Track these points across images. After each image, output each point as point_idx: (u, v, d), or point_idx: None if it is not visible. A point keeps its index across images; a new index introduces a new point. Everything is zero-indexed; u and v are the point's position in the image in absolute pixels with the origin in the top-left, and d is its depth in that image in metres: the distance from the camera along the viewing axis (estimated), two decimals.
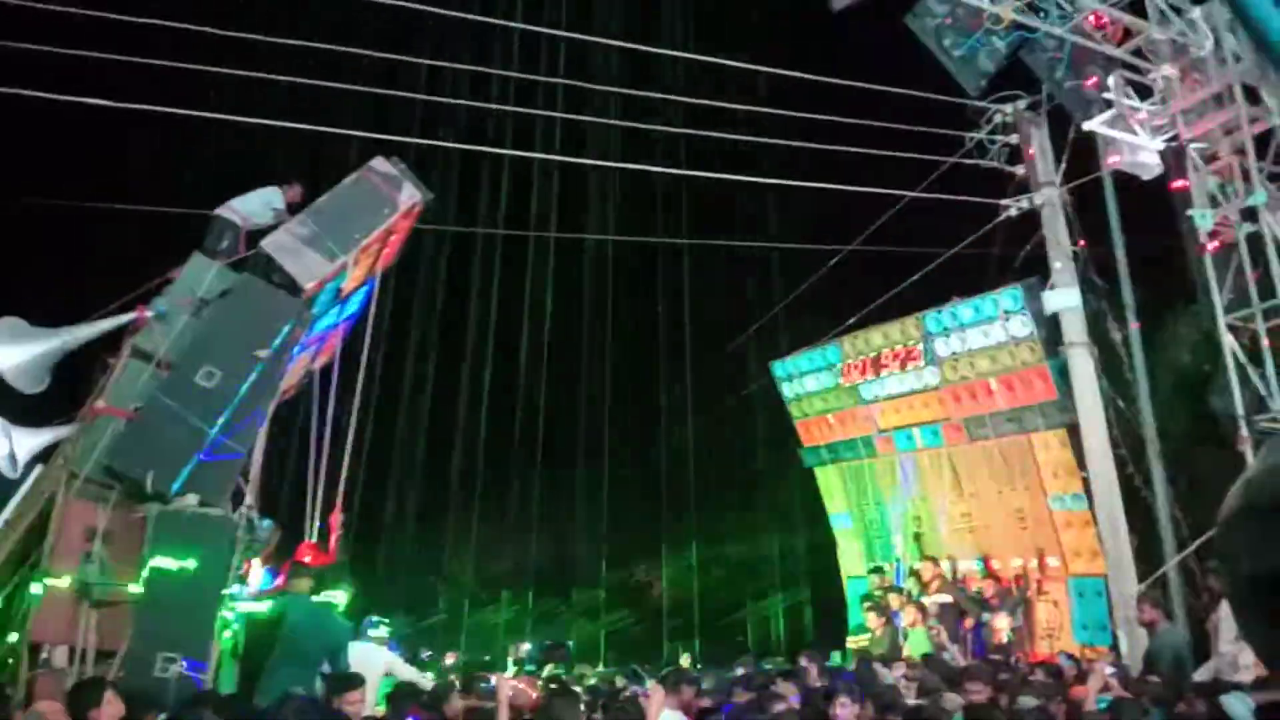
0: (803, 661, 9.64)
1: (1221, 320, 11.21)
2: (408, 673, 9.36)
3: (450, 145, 12.33)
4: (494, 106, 12.12)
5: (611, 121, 11.67)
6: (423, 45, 12.66)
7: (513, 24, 11.79)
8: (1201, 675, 8.62)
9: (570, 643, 16.28)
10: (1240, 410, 11.15)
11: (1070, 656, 10.67)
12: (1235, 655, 8.48)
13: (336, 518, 9.97)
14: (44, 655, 7.64)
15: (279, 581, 9.65)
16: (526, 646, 13.90)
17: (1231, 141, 11.28)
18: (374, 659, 8.86)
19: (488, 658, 14.00)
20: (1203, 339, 11.56)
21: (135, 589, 7.87)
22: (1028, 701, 6.77)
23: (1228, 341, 11.15)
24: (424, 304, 15.36)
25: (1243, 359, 11.14)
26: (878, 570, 13.96)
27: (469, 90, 12.37)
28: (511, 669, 12.01)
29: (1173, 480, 11.67)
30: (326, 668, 8.06)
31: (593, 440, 17.58)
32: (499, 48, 13.53)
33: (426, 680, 9.67)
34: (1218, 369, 11.24)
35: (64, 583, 7.87)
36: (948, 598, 12.30)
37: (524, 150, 14.01)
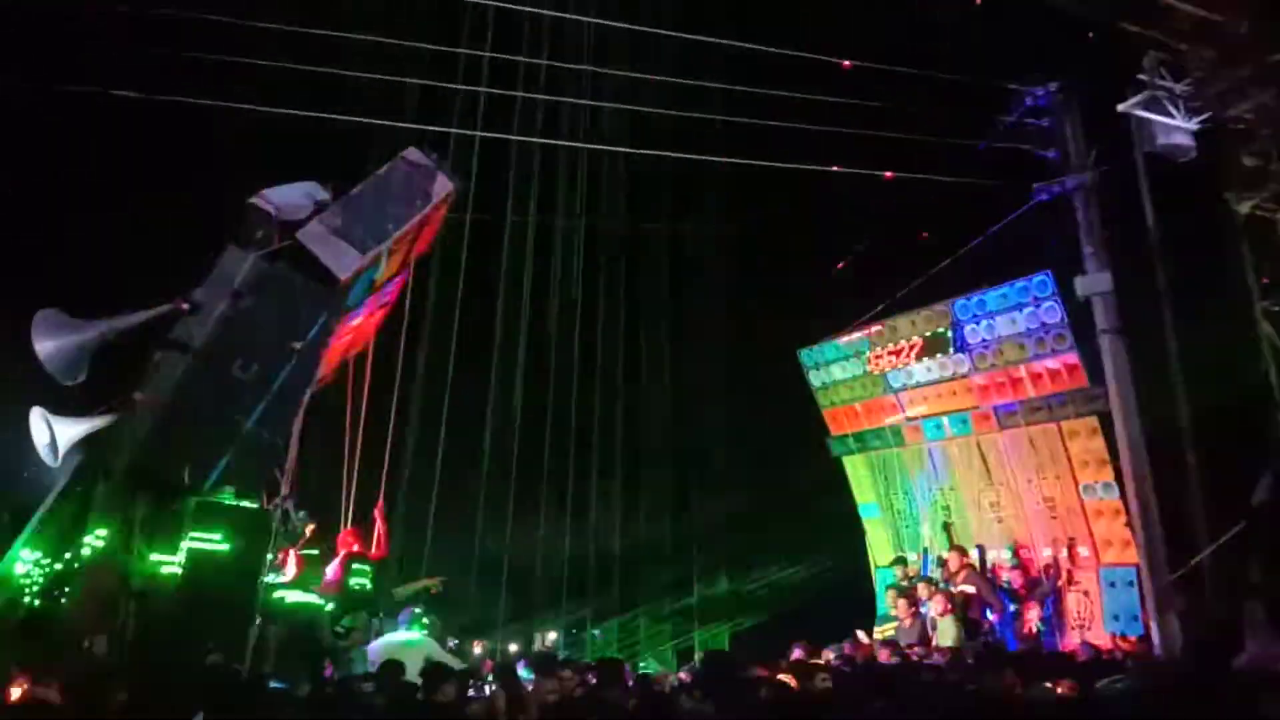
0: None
1: (1257, 306, 11.05)
2: (446, 660, 9.47)
3: (498, 135, 12.20)
4: (524, 94, 12.10)
5: (636, 108, 11.59)
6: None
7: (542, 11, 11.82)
8: (1237, 664, 8.54)
9: (596, 632, 16.31)
10: (1276, 398, 11.01)
11: (1091, 646, 10.62)
12: (1271, 644, 8.40)
13: (381, 511, 9.89)
14: (86, 644, 7.77)
15: (331, 577, 9.65)
16: (553, 635, 13.92)
17: (1270, 122, 11.07)
18: (417, 648, 8.99)
19: (514, 647, 14.01)
20: (1238, 326, 11.38)
21: (173, 572, 8.01)
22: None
23: (1264, 329, 10.99)
24: (457, 293, 15.17)
25: (1279, 345, 10.98)
26: (900, 561, 13.90)
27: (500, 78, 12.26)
28: None
29: (1206, 468, 11.51)
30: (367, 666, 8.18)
31: (620, 432, 17.46)
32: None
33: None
34: (1253, 356, 11.09)
35: (103, 572, 8.01)
36: (972, 588, 12.22)
37: (550, 138, 13.90)
